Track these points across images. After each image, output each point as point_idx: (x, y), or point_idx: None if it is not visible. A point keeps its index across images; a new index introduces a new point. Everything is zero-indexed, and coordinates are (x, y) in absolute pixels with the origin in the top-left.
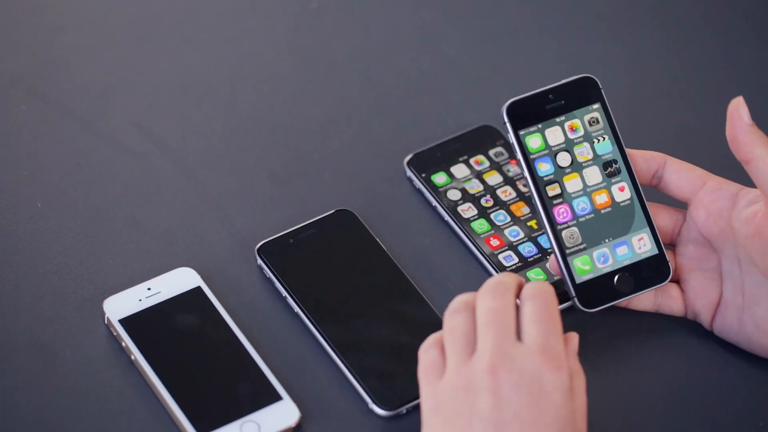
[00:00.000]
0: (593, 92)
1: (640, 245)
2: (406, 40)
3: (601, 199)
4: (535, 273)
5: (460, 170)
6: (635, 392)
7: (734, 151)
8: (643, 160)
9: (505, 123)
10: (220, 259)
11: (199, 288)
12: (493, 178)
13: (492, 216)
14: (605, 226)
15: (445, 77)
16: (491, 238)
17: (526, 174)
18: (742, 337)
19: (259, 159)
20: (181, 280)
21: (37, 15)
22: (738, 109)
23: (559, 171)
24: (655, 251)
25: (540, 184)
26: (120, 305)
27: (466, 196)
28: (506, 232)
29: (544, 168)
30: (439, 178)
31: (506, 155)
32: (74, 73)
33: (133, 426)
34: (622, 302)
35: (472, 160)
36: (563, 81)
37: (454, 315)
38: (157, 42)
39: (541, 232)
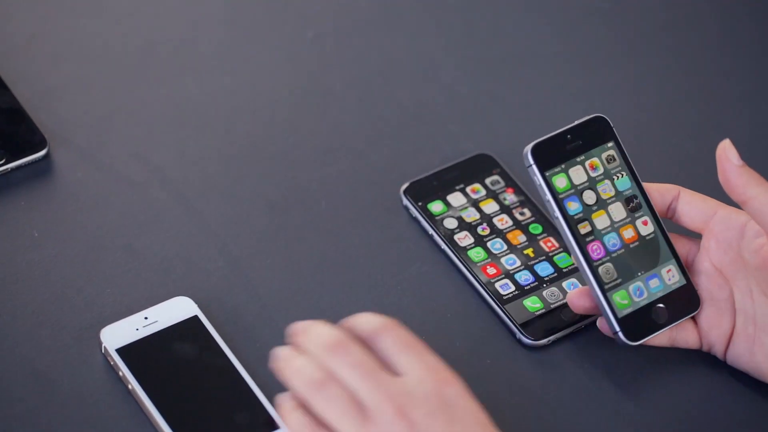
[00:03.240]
0: (606, 131)
1: (669, 277)
2: (402, 68)
3: (628, 234)
4: (531, 301)
5: (456, 198)
6: (650, 426)
7: (729, 194)
8: (658, 193)
9: (531, 165)
10: (218, 289)
11: (196, 317)
12: (490, 207)
13: (488, 244)
14: (636, 260)
15: (441, 106)
16: (488, 267)
17: (558, 214)
18: (753, 367)
19: (257, 188)
20: (178, 309)
21: (35, 44)
22: (725, 153)
23: (587, 209)
24: (683, 281)
25: (572, 223)
26: (117, 335)
27: (463, 225)
28: (503, 260)
29: (573, 207)
30: (436, 207)
31: (503, 183)
32: (72, 103)
33: None
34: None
35: (468, 189)
36: (577, 122)
37: (321, 388)
38: (154, 71)
39: (537, 261)
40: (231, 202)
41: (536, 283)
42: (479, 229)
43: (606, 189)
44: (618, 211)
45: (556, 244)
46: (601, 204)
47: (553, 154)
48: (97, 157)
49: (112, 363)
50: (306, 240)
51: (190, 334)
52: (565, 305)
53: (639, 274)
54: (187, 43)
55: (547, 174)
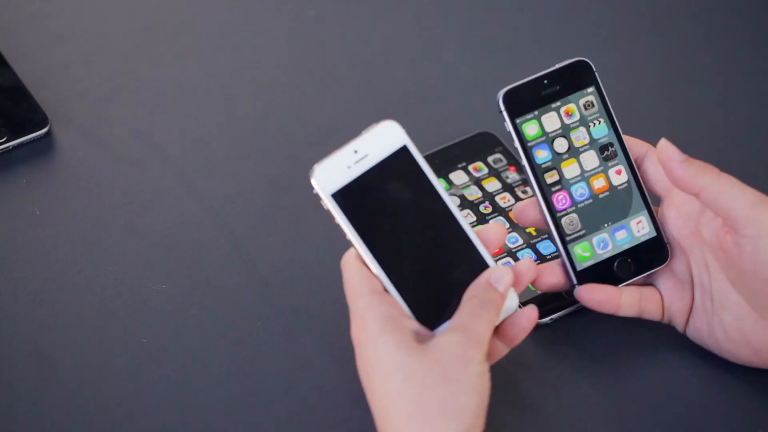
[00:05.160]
0: (587, 76)
1: (639, 228)
2: (404, 48)
3: (598, 183)
4: None
5: (458, 177)
6: (652, 403)
7: (682, 190)
8: (626, 146)
9: (501, 111)
10: (219, 267)
11: (405, 148)
12: (492, 185)
13: (491, 222)
14: (604, 211)
15: (443, 85)
16: None
17: (525, 162)
18: (711, 342)
19: (258, 167)
20: (386, 138)
21: (37, 24)
22: (665, 153)
23: (557, 157)
24: (654, 233)
25: (538, 172)
26: (329, 176)
27: (465, 203)
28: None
29: (542, 155)
30: None
31: (505, 162)
32: (74, 81)
33: None
34: (614, 305)
35: (470, 167)
36: (557, 65)
37: None
38: (156, 51)
39: (539, 239)
40: (232, 181)
41: (538, 261)
42: (481, 207)
43: (580, 137)
44: (591, 159)
45: None
46: (573, 152)
47: (527, 100)
48: (98, 136)
49: (325, 208)
50: (307, 218)
51: (401, 170)
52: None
53: (605, 225)
54: (188, 22)
55: (518, 121)
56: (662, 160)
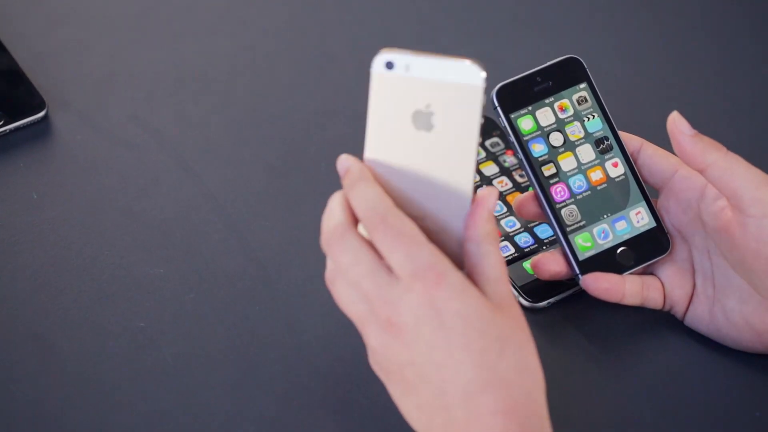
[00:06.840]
0: (579, 72)
1: (638, 219)
2: (402, 31)
3: (596, 175)
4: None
5: None
6: (650, 386)
7: (688, 164)
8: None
9: (495, 107)
10: (216, 252)
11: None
12: (489, 169)
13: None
14: (602, 202)
15: None
16: None
17: (521, 156)
18: (712, 329)
19: (256, 151)
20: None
21: (34, 8)
22: (676, 126)
23: (553, 151)
24: (653, 224)
25: (535, 165)
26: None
27: None
28: (503, 222)
29: (538, 149)
30: None
31: (502, 146)
32: (71, 65)
33: (133, 419)
34: (619, 293)
35: None
36: (548, 63)
37: (332, 287)
38: (153, 34)
39: (537, 223)
40: (230, 164)
41: (536, 245)
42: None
43: (575, 131)
44: (586, 152)
45: None
46: (569, 146)
47: (520, 95)
48: (96, 120)
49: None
50: (305, 203)
51: None
52: None
53: (605, 216)
54: (186, 5)
55: (512, 116)
56: (672, 132)
